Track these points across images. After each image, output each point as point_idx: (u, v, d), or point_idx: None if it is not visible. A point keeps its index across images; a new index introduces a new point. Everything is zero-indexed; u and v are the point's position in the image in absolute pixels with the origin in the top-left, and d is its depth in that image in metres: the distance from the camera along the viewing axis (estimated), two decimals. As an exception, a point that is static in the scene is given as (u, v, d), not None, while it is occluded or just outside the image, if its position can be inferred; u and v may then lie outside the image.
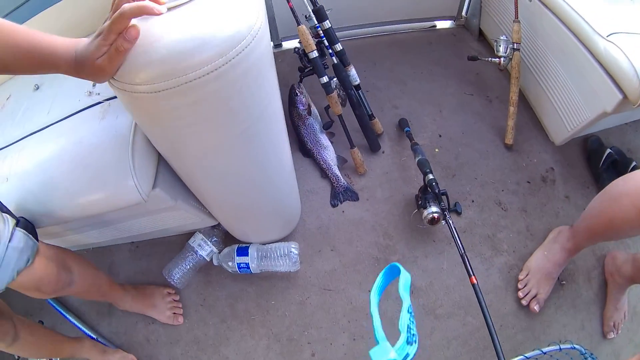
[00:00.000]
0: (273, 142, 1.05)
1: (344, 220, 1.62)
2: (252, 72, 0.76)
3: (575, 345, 1.15)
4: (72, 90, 1.21)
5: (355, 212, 1.64)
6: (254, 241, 1.51)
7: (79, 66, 0.67)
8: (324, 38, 1.54)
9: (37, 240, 0.99)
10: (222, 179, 1.04)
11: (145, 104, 0.71)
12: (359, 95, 1.67)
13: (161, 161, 1.12)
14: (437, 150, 1.76)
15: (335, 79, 1.57)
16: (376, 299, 0.59)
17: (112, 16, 0.62)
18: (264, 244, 1.50)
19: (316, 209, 1.65)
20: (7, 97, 1.37)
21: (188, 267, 1.51)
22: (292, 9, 1.47)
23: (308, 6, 1.50)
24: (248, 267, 1.44)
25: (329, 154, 1.69)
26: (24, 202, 1.04)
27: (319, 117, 1.74)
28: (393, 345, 0.52)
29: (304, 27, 1.45)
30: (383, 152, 1.77)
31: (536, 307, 1.40)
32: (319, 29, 1.53)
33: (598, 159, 1.66)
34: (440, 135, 1.80)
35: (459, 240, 1.23)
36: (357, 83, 1.64)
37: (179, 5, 0.72)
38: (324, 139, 1.70)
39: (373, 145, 1.73)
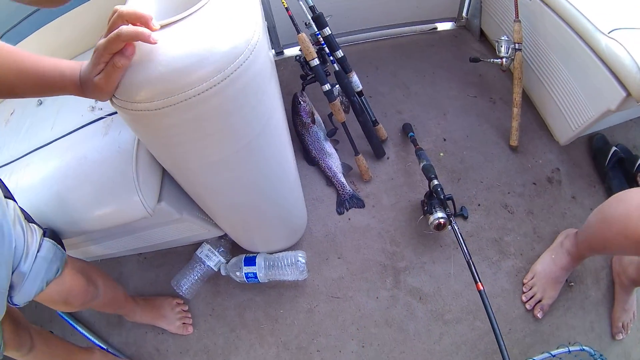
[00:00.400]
0: (277, 154, 1.05)
1: (351, 228, 1.62)
2: (252, 86, 0.76)
3: (584, 347, 1.15)
4: (75, 105, 1.23)
5: (362, 219, 1.64)
6: (261, 251, 1.52)
7: (83, 86, 0.69)
8: (325, 45, 1.54)
9: (65, 250, 1.00)
10: (227, 192, 1.05)
11: (146, 121, 0.72)
12: (362, 102, 1.67)
13: (166, 175, 1.13)
14: (442, 154, 1.75)
15: (337, 85, 1.58)
16: None
17: (109, 36, 0.63)
18: (271, 253, 1.50)
19: (322, 217, 1.66)
20: (10, 113, 1.39)
21: (196, 277, 1.52)
22: (291, 17, 1.47)
23: (307, 14, 1.51)
24: (256, 277, 1.45)
25: (334, 162, 1.69)
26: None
27: (323, 125, 1.74)
28: None
29: (304, 35, 1.46)
30: (388, 158, 1.77)
31: (539, 314, 1.39)
32: (319, 36, 1.53)
33: (604, 157, 1.65)
34: (444, 139, 1.80)
35: (465, 247, 1.23)
36: (359, 89, 1.65)
37: (176, 21, 0.72)
38: (329, 147, 1.70)
39: (377, 151, 1.73)
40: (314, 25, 1.51)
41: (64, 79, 0.70)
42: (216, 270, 1.53)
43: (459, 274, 1.49)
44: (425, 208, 1.46)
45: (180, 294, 1.51)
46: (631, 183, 1.60)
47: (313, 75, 1.55)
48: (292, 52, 2.21)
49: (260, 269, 1.44)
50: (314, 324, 1.47)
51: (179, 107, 0.67)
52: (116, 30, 0.62)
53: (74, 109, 1.23)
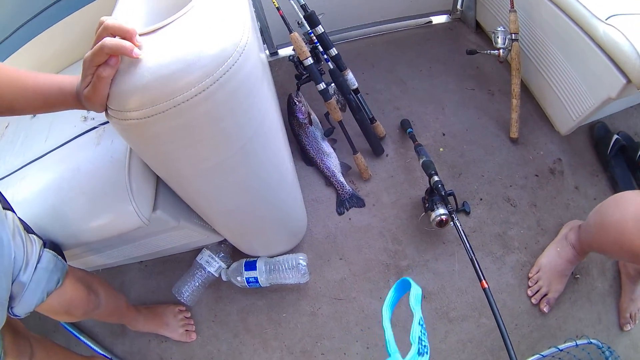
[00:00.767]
0: (272, 157, 1.03)
1: (351, 228, 1.61)
2: (243, 89, 0.74)
3: (592, 340, 1.14)
4: (67, 116, 1.21)
5: (362, 218, 1.62)
6: (261, 255, 1.50)
7: (79, 98, 0.70)
8: (318, 44, 1.53)
9: (66, 261, 1.00)
10: (222, 198, 1.03)
11: (136, 129, 0.70)
12: (359, 99, 1.65)
13: (160, 182, 1.12)
14: (441, 149, 1.74)
15: (332, 84, 1.56)
16: (388, 313, 0.61)
17: (93, 49, 0.63)
18: (272, 257, 1.49)
19: (322, 218, 1.64)
20: (5, 126, 1.39)
21: (197, 284, 1.51)
22: (282, 17, 1.46)
23: (299, 12, 1.50)
24: (257, 281, 1.43)
25: (332, 161, 1.67)
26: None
27: (320, 125, 1.72)
28: (404, 356, 0.53)
29: (296, 35, 1.44)
30: (387, 156, 1.75)
31: (545, 309, 1.38)
32: (312, 34, 1.51)
33: (605, 146, 1.63)
34: (444, 134, 1.78)
35: (468, 243, 1.21)
36: (355, 87, 1.63)
37: (162, 26, 0.71)
38: (326, 146, 1.68)
39: (376, 149, 1.71)
40: (306, 24, 1.50)
41: (64, 93, 0.71)
42: (217, 276, 1.52)
43: (463, 270, 1.48)
44: (427, 205, 1.44)
45: (182, 301, 1.50)
46: (634, 170, 1.59)
47: (307, 74, 1.53)
48: (286, 52, 2.19)
49: (261, 274, 1.43)
50: (318, 327, 1.45)
51: (169, 114, 0.66)
52: (100, 42, 0.62)
53: (66, 120, 1.22)
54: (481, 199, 1.61)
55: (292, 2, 1.47)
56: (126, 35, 0.65)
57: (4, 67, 0.70)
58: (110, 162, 1.03)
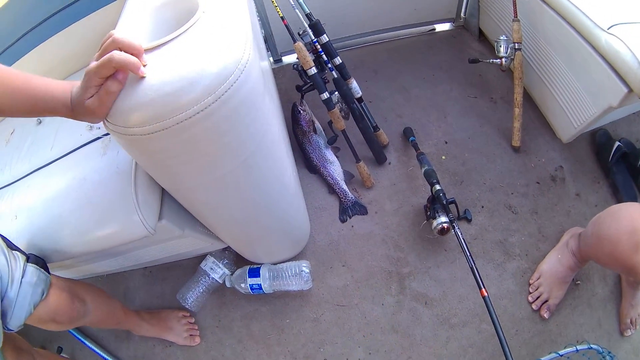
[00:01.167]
0: (275, 168, 1.05)
1: (354, 235, 1.62)
2: (245, 105, 0.75)
3: (592, 345, 1.15)
4: (73, 124, 1.22)
5: (365, 226, 1.64)
6: (265, 262, 1.52)
7: (75, 109, 0.69)
8: (322, 53, 1.53)
9: (49, 273, 1.02)
10: (226, 208, 1.05)
11: (139, 144, 0.71)
12: (362, 108, 1.66)
13: (165, 193, 1.14)
14: (444, 157, 1.75)
15: (336, 92, 1.57)
16: None
17: (100, 60, 0.63)
18: (275, 264, 1.50)
19: (325, 226, 1.66)
20: (11, 132, 1.41)
21: (201, 290, 1.52)
22: (287, 27, 1.48)
23: (304, 21, 1.50)
24: (260, 288, 1.45)
25: (336, 169, 1.69)
26: (34, 238, 1.06)
27: (323, 133, 1.74)
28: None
29: (300, 45, 1.45)
30: (389, 164, 1.77)
31: (546, 314, 1.38)
32: (317, 43, 1.52)
33: (607, 153, 1.64)
34: (446, 142, 1.79)
35: (468, 252, 1.23)
36: (359, 95, 1.64)
37: (166, 42, 0.73)
38: (330, 155, 1.70)
39: (379, 157, 1.73)
40: (310, 33, 1.50)
41: (54, 100, 0.69)
42: (221, 282, 1.54)
43: (464, 277, 1.49)
44: (428, 213, 1.46)
45: (186, 307, 1.51)
46: (635, 177, 1.59)
47: (311, 83, 1.54)
48: (290, 59, 2.22)
49: (264, 280, 1.44)
50: (321, 333, 1.47)
51: (171, 130, 0.67)
52: (108, 55, 0.62)
53: (72, 128, 1.24)
54: (483, 207, 1.62)
55: (297, 11, 1.48)
56: (134, 51, 0.66)
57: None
58: (116, 173, 1.05)
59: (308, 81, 1.56)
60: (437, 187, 1.43)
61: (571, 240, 1.40)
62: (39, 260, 1.01)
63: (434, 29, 2.24)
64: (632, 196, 1.56)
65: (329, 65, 1.56)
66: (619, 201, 1.58)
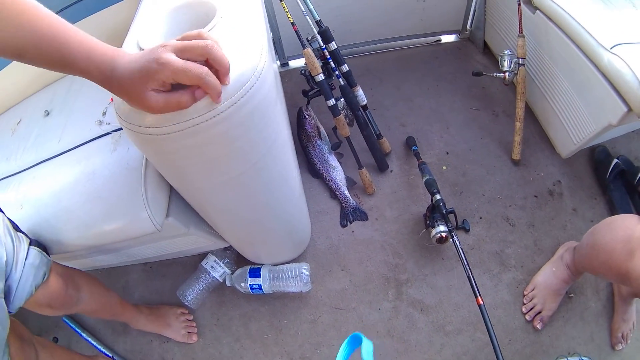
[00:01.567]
0: (282, 172, 1.07)
1: (354, 240, 1.64)
2: (259, 110, 0.77)
3: (583, 357, 1.17)
4: (82, 118, 1.25)
5: (365, 231, 1.66)
6: (265, 262, 1.54)
7: (116, 81, 0.61)
8: (330, 60, 1.55)
9: (49, 257, 1.04)
10: (233, 210, 1.07)
11: (153, 144, 0.73)
12: (367, 116, 1.69)
13: (173, 191, 1.15)
14: (444, 167, 1.78)
15: (342, 99, 1.59)
16: None
17: (189, 66, 0.59)
18: (276, 265, 1.52)
19: (326, 230, 1.68)
20: (17, 122, 1.41)
21: (201, 288, 1.54)
22: (297, 32, 1.49)
23: (314, 28, 1.52)
24: (260, 288, 1.47)
25: (338, 174, 1.71)
26: (39, 229, 1.08)
27: (327, 138, 1.77)
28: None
29: (309, 51, 1.47)
30: (391, 172, 1.79)
31: (539, 326, 1.40)
32: (325, 50, 1.54)
33: (605, 169, 1.66)
34: (447, 153, 1.82)
35: (466, 261, 1.25)
36: (364, 103, 1.67)
37: None
38: (333, 160, 1.73)
39: (381, 165, 1.75)
40: (320, 40, 1.52)
41: (88, 60, 0.60)
42: (221, 281, 1.56)
43: (460, 286, 1.51)
44: (428, 221, 1.48)
45: (186, 304, 1.53)
46: (632, 194, 1.61)
47: (318, 89, 1.57)
48: (297, 63, 2.24)
49: (264, 281, 1.46)
50: (318, 335, 1.49)
51: (186, 133, 0.68)
52: (200, 69, 0.60)
53: (81, 121, 1.25)
54: (481, 218, 1.64)
55: (307, 17, 1.51)
56: (222, 68, 0.65)
57: (19, 5, 0.56)
58: (126, 169, 1.06)
59: (315, 87, 1.58)
60: (438, 196, 1.45)
61: (566, 254, 1.42)
62: (40, 244, 1.03)
63: (440, 40, 2.27)
64: (628, 212, 1.58)
65: (336, 72, 1.58)
66: (615, 218, 1.60)
